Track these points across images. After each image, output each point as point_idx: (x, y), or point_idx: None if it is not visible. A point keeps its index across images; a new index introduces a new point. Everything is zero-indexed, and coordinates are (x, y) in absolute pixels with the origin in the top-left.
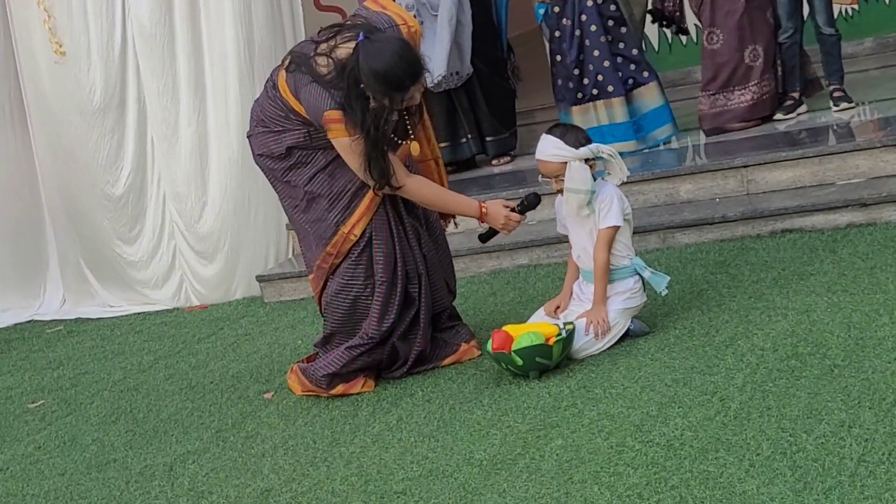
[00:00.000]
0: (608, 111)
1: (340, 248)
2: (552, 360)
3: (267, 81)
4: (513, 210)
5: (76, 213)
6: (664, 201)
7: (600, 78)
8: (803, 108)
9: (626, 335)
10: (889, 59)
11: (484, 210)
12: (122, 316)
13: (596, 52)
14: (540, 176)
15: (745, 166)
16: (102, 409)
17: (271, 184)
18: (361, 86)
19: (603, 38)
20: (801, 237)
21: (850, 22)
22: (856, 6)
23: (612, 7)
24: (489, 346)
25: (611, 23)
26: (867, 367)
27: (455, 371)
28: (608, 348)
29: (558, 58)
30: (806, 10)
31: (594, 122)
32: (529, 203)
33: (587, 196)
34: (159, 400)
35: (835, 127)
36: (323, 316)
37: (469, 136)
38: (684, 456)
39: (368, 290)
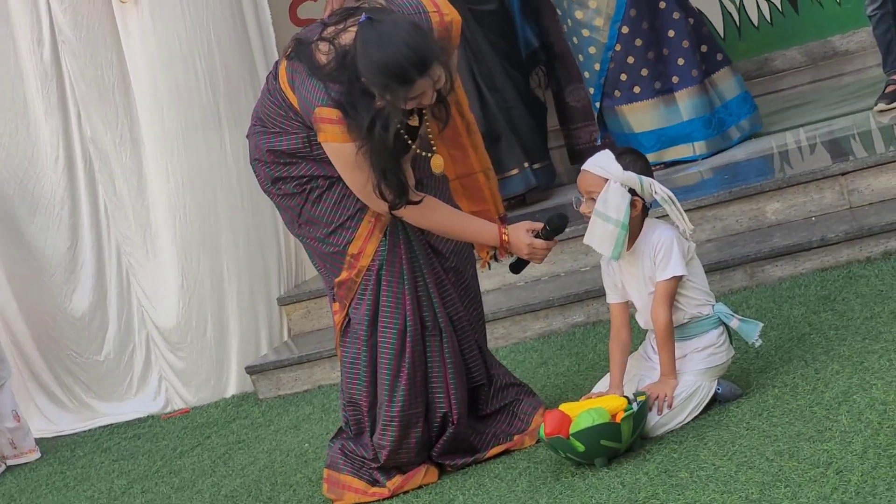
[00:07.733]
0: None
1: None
2: (622, 441)
3: (269, 72)
4: (537, 235)
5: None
6: (748, 226)
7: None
8: None
9: (714, 401)
10: None
11: (505, 238)
12: (83, 431)
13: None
14: (575, 196)
15: (843, 174)
16: None
17: (264, 191)
18: (363, 80)
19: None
20: None
21: None
22: None
23: None
24: (542, 431)
25: None
26: None
27: (502, 465)
28: (692, 419)
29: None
30: None
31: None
32: (554, 226)
33: (616, 231)
34: None
35: None
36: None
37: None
38: None
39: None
